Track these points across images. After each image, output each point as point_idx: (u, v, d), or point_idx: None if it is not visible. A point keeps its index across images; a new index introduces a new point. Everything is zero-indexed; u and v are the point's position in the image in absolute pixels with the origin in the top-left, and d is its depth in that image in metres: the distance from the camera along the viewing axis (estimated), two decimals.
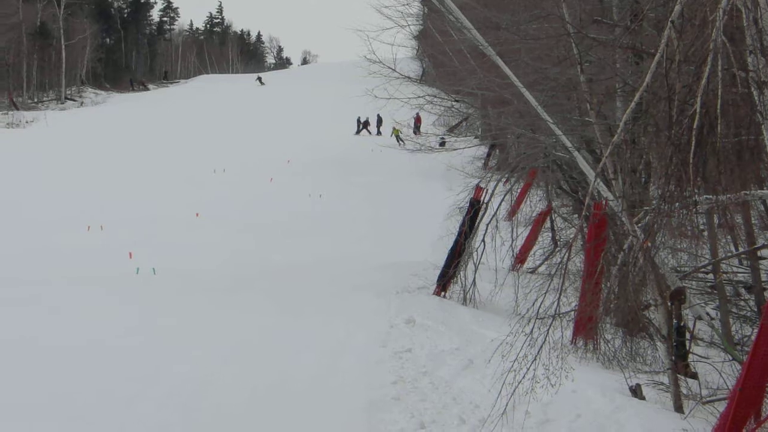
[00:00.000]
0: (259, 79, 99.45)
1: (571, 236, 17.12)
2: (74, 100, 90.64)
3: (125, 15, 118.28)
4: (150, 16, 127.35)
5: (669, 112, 7.53)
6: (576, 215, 20.23)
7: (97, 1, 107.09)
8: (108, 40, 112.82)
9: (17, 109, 76.48)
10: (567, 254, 9.78)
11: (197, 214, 29.63)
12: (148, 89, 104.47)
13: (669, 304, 11.09)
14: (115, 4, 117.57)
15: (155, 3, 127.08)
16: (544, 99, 14.72)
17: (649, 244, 9.73)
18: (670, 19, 7.36)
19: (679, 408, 10.16)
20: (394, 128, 45.02)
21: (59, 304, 15.73)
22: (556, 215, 21.66)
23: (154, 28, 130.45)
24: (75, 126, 63.93)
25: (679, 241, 13.94)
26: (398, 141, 43.89)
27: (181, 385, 11.00)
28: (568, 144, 13.85)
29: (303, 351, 12.87)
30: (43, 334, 13.29)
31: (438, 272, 17.35)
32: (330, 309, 15.69)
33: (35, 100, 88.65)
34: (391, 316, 15.03)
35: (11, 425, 9.49)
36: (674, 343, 11.14)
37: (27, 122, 69.61)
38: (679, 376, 10.64)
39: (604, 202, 12.85)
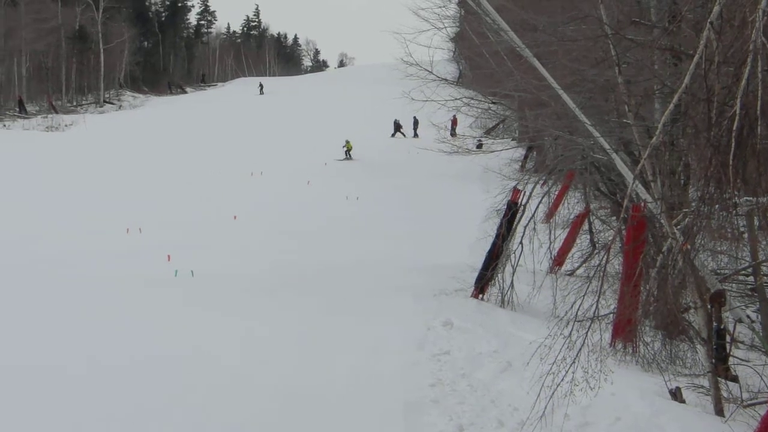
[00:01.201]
0: (261, 87, 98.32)
1: (610, 239, 17.02)
2: (113, 104, 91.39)
3: (163, 18, 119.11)
4: (187, 19, 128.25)
5: (708, 113, 7.49)
6: (614, 217, 20.11)
7: (135, 5, 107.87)
8: (146, 43, 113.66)
9: (56, 113, 77.30)
10: (605, 257, 9.75)
11: (235, 217, 29.78)
12: (185, 92, 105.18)
13: (709, 306, 11.02)
14: (153, 8, 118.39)
15: (192, 6, 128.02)
16: (582, 101, 14.66)
17: (689, 247, 9.68)
18: (708, 20, 7.32)
19: (719, 411, 10.09)
20: (347, 141, 47.11)
21: (97, 305, 15.88)
22: (594, 217, 21.55)
23: (192, 31, 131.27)
24: (113, 129, 64.48)
25: (719, 244, 13.83)
26: (346, 155, 45.89)
27: (221, 385, 11.08)
28: (606, 146, 13.78)
29: (340, 353, 12.90)
30: (78, 333, 13.43)
31: (476, 275, 17.32)
32: (367, 311, 15.70)
33: (74, 103, 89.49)
34: (429, 318, 15.01)
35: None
36: (714, 346, 11.07)
37: (66, 125, 70.23)
38: (719, 379, 10.56)
39: (642, 205, 12.78)
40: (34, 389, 10.69)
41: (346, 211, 32.13)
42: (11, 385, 10.84)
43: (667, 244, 10.85)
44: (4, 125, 71.03)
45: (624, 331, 12.73)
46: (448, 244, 23.99)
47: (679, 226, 10.54)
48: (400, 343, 13.42)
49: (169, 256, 21.58)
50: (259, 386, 11.16)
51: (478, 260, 17.56)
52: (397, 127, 57.75)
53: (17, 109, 79.01)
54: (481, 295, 17.04)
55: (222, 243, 25.52)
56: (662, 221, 11.53)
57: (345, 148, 47.25)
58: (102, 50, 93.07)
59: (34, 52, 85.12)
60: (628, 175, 13.34)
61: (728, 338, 12.28)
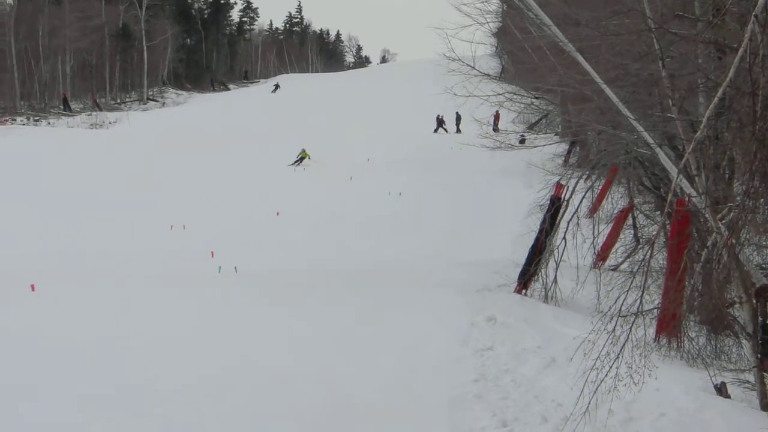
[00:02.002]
0: (276, 86, 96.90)
1: (654, 233, 16.91)
2: (156, 101, 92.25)
3: (205, 16, 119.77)
4: (230, 16, 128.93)
5: (753, 107, 7.44)
6: (658, 212, 19.99)
7: (178, 3, 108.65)
8: (189, 40, 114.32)
9: (100, 110, 78.25)
10: (649, 251, 9.69)
11: (278, 213, 29.96)
12: (228, 89, 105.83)
13: (754, 301, 10.92)
14: (196, 5, 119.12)
15: (235, 3, 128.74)
16: (625, 95, 14.57)
17: (734, 241, 9.62)
18: (753, 13, 7.28)
19: (765, 407, 10.01)
20: (303, 150, 45.14)
21: (144, 301, 16.05)
22: (637, 212, 21.43)
23: (234, 28, 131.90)
24: (157, 126, 64.96)
25: (765, 238, 13.71)
26: (298, 161, 44.56)
27: (263, 382, 11.14)
28: (650, 140, 13.70)
29: (383, 348, 12.94)
30: (131, 330, 13.58)
31: (519, 270, 17.29)
32: (410, 306, 15.73)
33: (118, 101, 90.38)
34: (472, 313, 15.01)
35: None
36: (760, 341, 10.97)
37: (110, 123, 71.02)
38: (765, 374, 10.48)
39: (687, 199, 12.70)
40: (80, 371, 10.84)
41: (388, 207, 32.18)
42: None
43: (712, 238, 10.79)
44: (49, 123, 72.03)
45: (668, 326, 12.66)
46: (490, 239, 23.97)
47: (723, 221, 10.47)
48: (443, 338, 13.44)
49: (212, 253, 21.77)
50: (301, 384, 11.21)
51: (521, 256, 17.52)
52: (440, 122, 57.67)
53: (62, 107, 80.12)
54: (524, 291, 17.01)
55: (265, 239, 25.73)
56: (707, 216, 11.45)
57: (300, 156, 45.26)
58: (145, 48, 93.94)
59: (78, 50, 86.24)
60: (672, 170, 13.26)
61: None
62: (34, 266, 20.31)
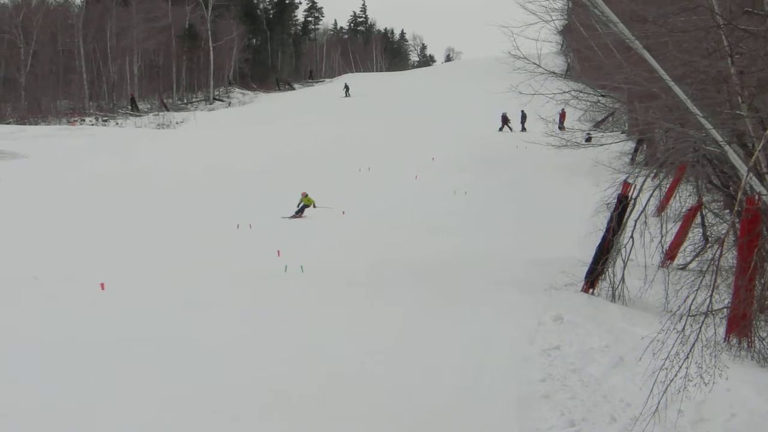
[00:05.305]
0: (346, 88, 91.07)
1: (723, 232, 16.73)
2: (222, 101, 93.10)
3: (271, 16, 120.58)
4: (295, 16, 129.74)
5: None
6: (727, 211, 19.74)
7: (244, 3, 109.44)
8: (254, 40, 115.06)
9: (167, 110, 79.22)
10: (719, 250, 9.63)
11: (343, 212, 30.09)
12: (293, 88, 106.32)
13: None
14: (261, 6, 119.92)
15: (300, 3, 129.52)
16: (693, 92, 14.43)
17: None
18: None
19: None
20: (305, 195, 32.33)
21: (211, 301, 16.28)
22: (706, 210, 21.17)
23: (299, 28, 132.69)
24: (222, 126, 65.46)
25: None
26: (299, 210, 31.89)
27: (330, 381, 11.27)
28: (719, 138, 13.56)
29: (449, 347, 12.99)
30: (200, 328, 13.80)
31: (585, 269, 17.23)
32: (476, 305, 15.74)
33: (184, 101, 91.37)
34: (539, 312, 15.00)
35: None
36: None
37: (177, 123, 71.82)
38: None
39: (757, 197, 12.56)
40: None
41: (453, 206, 32.12)
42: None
43: None
44: (117, 123, 73.15)
45: (739, 325, 12.52)
46: (556, 238, 23.84)
47: None
48: (509, 338, 13.44)
49: (278, 252, 21.94)
50: (368, 380, 11.30)
51: (588, 254, 17.45)
52: (505, 120, 57.41)
53: (129, 107, 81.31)
54: (591, 290, 16.94)
55: (331, 238, 25.91)
56: None
57: (301, 203, 32.14)
58: (211, 48, 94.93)
59: (145, 51, 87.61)
60: (742, 168, 13.11)
61: None
62: (103, 265, 20.64)
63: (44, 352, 12.42)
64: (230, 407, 10.15)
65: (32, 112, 74.32)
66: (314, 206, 31.61)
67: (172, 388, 10.83)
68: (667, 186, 22.29)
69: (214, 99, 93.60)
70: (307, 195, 31.86)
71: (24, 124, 68.35)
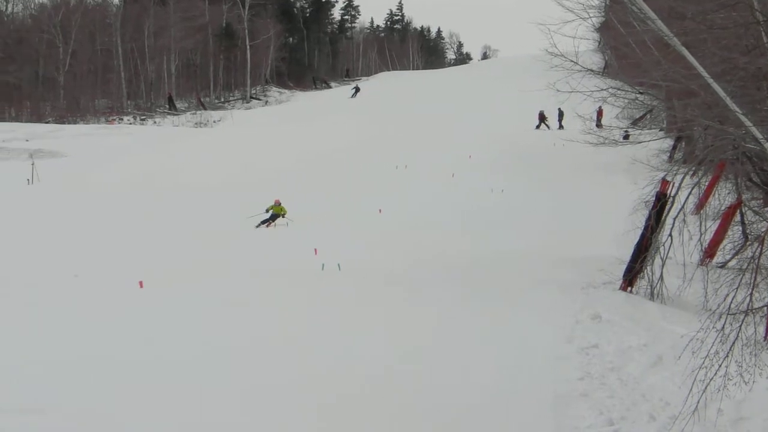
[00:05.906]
0: (356, 89, 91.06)
1: (763, 230, 16.59)
2: (259, 99, 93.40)
3: (307, 14, 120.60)
4: (331, 14, 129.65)
5: None
6: (767, 208, 19.57)
7: (280, 2, 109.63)
8: (291, 39, 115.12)
9: (205, 109, 79.69)
10: (759, 248, 9.56)
11: (380, 210, 30.12)
12: (330, 87, 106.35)
13: None
14: (298, 4, 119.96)
15: (336, 2, 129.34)
16: (733, 89, 14.30)
17: None
18: None
19: None
20: (277, 204, 30.69)
21: (246, 298, 16.35)
22: (746, 208, 20.98)
23: (336, 26, 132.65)
24: (260, 124, 65.60)
25: None
26: (269, 220, 30.16)
27: (365, 380, 11.31)
28: (759, 135, 13.43)
29: (486, 345, 12.98)
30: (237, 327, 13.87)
31: (624, 267, 17.15)
32: (513, 303, 15.72)
33: (221, 99, 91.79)
34: (577, 311, 14.96)
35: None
36: None
37: (214, 122, 72.18)
38: None
39: None
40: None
41: (490, 204, 32.10)
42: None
43: None
44: (155, 122, 73.68)
45: None
46: (593, 236, 23.76)
47: None
48: (547, 335, 13.41)
49: (316, 250, 22.02)
50: (405, 380, 11.31)
51: (626, 253, 17.37)
52: (542, 118, 57.19)
53: (167, 106, 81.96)
54: (629, 288, 16.87)
55: (367, 236, 25.94)
56: None
57: (270, 210, 30.50)
58: (248, 47, 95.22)
59: (182, 50, 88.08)
60: None
61: None
62: (141, 263, 20.84)
63: (89, 349, 12.46)
64: (267, 408, 10.18)
65: (71, 111, 75.13)
66: (283, 216, 30.09)
67: (213, 389, 10.85)
68: (706, 184, 22.11)
69: (251, 98, 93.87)
70: (280, 204, 30.46)
71: (63, 123, 68.96)
